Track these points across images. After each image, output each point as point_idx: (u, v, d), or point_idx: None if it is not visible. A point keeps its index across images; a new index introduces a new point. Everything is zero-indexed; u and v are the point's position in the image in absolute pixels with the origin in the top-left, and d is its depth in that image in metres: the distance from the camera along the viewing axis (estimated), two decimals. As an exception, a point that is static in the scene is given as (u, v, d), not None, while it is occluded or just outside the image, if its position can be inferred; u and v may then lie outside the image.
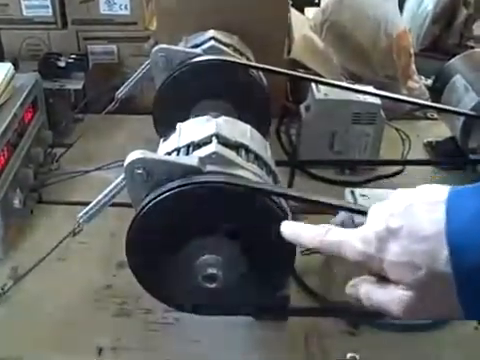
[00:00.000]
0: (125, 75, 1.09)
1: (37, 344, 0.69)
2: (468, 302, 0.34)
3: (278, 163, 0.78)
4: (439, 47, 1.82)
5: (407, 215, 0.36)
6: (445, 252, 0.34)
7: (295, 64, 1.20)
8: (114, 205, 0.65)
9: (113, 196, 0.63)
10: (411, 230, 0.35)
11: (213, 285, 0.59)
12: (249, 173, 0.61)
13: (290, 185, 0.96)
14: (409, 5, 1.84)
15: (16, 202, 0.85)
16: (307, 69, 1.20)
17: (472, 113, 0.96)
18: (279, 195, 0.58)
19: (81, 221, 0.64)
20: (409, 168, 1.03)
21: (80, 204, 0.68)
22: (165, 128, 0.72)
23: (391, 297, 0.37)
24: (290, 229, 0.43)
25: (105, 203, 0.63)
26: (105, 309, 0.74)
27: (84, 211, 0.64)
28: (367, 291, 0.39)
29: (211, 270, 0.58)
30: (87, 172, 0.98)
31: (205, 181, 0.56)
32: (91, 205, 0.64)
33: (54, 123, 1.06)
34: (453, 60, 1.09)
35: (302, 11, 1.55)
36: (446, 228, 0.34)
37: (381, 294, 0.38)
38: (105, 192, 0.63)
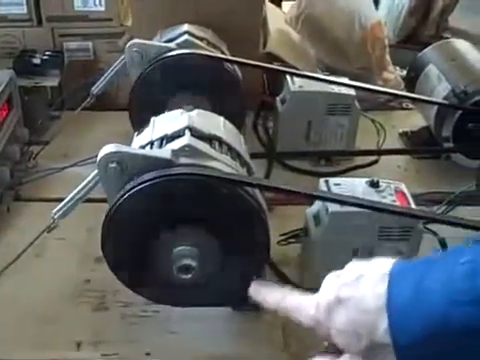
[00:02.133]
0: (101, 71, 1.08)
1: (16, 341, 0.69)
2: None
3: (255, 155, 0.79)
4: (416, 39, 1.84)
5: (356, 286, 0.38)
6: (384, 325, 0.36)
7: (271, 58, 1.20)
8: (91, 201, 0.65)
9: (88, 191, 0.63)
10: (357, 301, 0.38)
11: (188, 276, 0.60)
12: (222, 164, 0.61)
13: (267, 177, 0.97)
14: (385, -2, 1.86)
15: (-8, 200, 0.84)
16: (283, 62, 1.20)
17: (445, 102, 0.98)
18: (250, 185, 0.58)
19: (56, 217, 0.64)
20: (384, 158, 1.04)
21: (57, 201, 0.67)
22: (141, 123, 0.73)
23: None
24: (256, 293, 0.47)
25: (79, 198, 0.64)
26: (84, 304, 0.74)
27: (59, 207, 0.64)
28: None
29: (186, 261, 0.59)
30: (64, 169, 0.98)
31: (177, 173, 0.56)
32: (65, 201, 0.64)
33: (30, 120, 1.06)
34: (426, 50, 1.11)
35: (280, 5, 1.56)
36: (386, 303, 0.36)
37: None
38: (79, 187, 0.63)
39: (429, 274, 0.36)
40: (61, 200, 0.65)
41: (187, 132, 0.63)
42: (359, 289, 0.38)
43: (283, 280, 0.77)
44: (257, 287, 0.47)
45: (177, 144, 0.61)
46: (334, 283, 0.40)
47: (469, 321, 0.33)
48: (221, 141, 0.65)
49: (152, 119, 0.70)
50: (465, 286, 0.34)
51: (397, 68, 1.33)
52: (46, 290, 0.75)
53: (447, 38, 1.74)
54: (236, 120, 0.75)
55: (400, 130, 1.14)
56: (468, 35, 1.64)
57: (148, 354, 0.68)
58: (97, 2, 1.20)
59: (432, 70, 1.05)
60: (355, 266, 0.40)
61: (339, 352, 0.40)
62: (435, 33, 1.86)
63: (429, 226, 0.77)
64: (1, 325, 0.71)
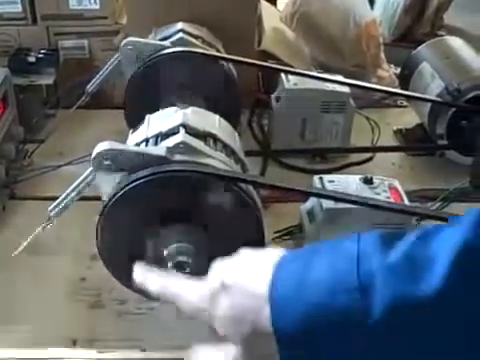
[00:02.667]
0: (96, 70, 1.08)
1: (11, 338, 0.69)
2: None
3: (250, 153, 0.79)
4: (411, 37, 1.85)
5: (241, 273, 0.39)
6: (266, 313, 0.36)
7: (266, 56, 1.21)
8: (86, 198, 0.66)
9: (83, 188, 0.63)
10: (241, 288, 0.38)
11: (183, 273, 0.60)
12: (217, 162, 0.62)
13: (262, 174, 0.97)
14: (381, -4, 1.86)
15: (-13, 199, 0.85)
16: (278, 60, 1.21)
17: (438, 100, 0.99)
18: (245, 182, 0.59)
19: (51, 215, 0.65)
20: (379, 155, 1.04)
21: (53, 199, 0.68)
22: (136, 121, 0.73)
23: (224, 353, 0.39)
24: (139, 277, 0.46)
25: (75, 196, 0.64)
26: (80, 301, 0.75)
27: (54, 204, 0.64)
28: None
29: (181, 258, 0.59)
30: (59, 167, 0.98)
31: (171, 170, 0.57)
32: (60, 198, 0.64)
33: (25, 119, 1.06)
34: (420, 48, 1.11)
35: (275, 3, 1.56)
36: (270, 289, 0.36)
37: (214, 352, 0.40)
38: (74, 185, 0.63)
39: (313, 263, 0.36)
40: (56, 198, 0.65)
41: (182, 129, 0.63)
42: (245, 276, 0.38)
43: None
44: (141, 271, 0.46)
45: (172, 141, 0.61)
46: (220, 269, 0.40)
47: (349, 310, 0.33)
48: (216, 138, 0.66)
49: (147, 117, 0.70)
50: (346, 275, 0.34)
51: (392, 66, 1.34)
52: (42, 288, 0.76)
53: (441, 36, 1.75)
54: (231, 118, 0.76)
55: (394, 127, 1.15)
56: (463, 33, 1.64)
57: (144, 351, 0.68)
58: (92, 0, 1.19)
59: (426, 68, 1.05)
60: (244, 254, 0.40)
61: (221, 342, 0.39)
62: (430, 31, 1.86)
63: (423, 223, 0.77)
64: (-4, 323, 0.71)
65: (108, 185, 0.60)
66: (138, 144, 0.65)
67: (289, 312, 0.35)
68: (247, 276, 0.38)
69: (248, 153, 0.73)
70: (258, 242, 0.62)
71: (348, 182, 0.73)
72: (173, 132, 0.64)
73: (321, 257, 0.36)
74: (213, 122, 0.69)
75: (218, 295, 0.38)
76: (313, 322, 0.34)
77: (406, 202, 0.72)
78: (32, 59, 1.14)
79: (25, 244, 0.72)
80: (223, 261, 0.41)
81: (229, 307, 0.38)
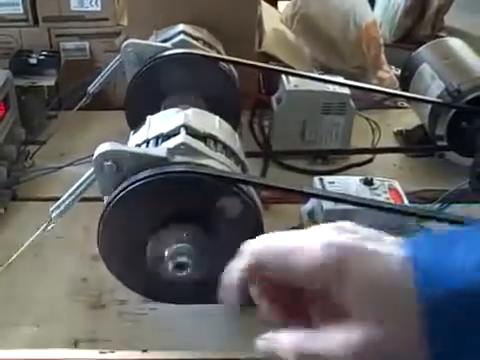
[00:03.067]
0: (98, 71, 1.09)
1: (13, 339, 0.69)
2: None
3: (251, 154, 0.80)
4: (412, 38, 1.85)
5: (380, 242, 0.34)
6: (410, 284, 0.32)
7: (267, 57, 1.21)
8: (87, 200, 0.66)
9: (84, 189, 0.64)
10: (382, 257, 0.33)
11: (183, 274, 0.60)
12: (217, 163, 0.62)
13: (263, 175, 0.97)
14: (381, -1, 1.87)
15: (-11, 200, 0.85)
16: (279, 62, 1.21)
17: (439, 101, 0.99)
18: (245, 183, 0.59)
19: (53, 215, 0.65)
20: (379, 156, 1.05)
21: (54, 200, 0.68)
22: (137, 122, 0.73)
23: (341, 339, 0.32)
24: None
25: (76, 196, 0.64)
26: (81, 302, 0.75)
27: (55, 205, 0.65)
28: (297, 342, 0.34)
29: (181, 259, 0.60)
30: (60, 168, 0.98)
31: (171, 171, 0.57)
32: (62, 199, 0.64)
33: (27, 120, 1.06)
34: (420, 49, 1.11)
35: (275, 5, 1.57)
36: (413, 261, 0.32)
37: (323, 340, 0.33)
38: (76, 186, 0.64)
39: (455, 244, 0.32)
40: (58, 199, 0.65)
41: (182, 131, 0.64)
42: (384, 246, 0.33)
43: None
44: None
45: (172, 142, 0.62)
46: (349, 234, 0.34)
47: None
48: (216, 139, 0.66)
49: (148, 118, 0.70)
50: None
51: (392, 67, 1.34)
52: (43, 288, 0.76)
53: (442, 37, 1.75)
54: (232, 119, 0.76)
55: (395, 129, 1.15)
56: (464, 34, 1.65)
57: (145, 351, 0.69)
58: (93, 2, 1.20)
59: (426, 69, 1.05)
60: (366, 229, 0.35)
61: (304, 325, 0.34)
62: (431, 32, 1.87)
63: (422, 223, 0.77)
64: (-2, 323, 0.71)
65: (109, 186, 0.60)
66: (139, 145, 0.65)
67: (435, 281, 0.31)
68: (386, 246, 0.33)
69: (249, 154, 0.73)
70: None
71: (348, 183, 0.74)
72: (174, 133, 0.64)
73: (462, 238, 0.33)
74: (214, 123, 0.70)
75: (352, 261, 0.32)
76: (462, 292, 0.31)
77: (406, 203, 0.72)
78: (34, 61, 1.15)
79: (26, 245, 0.72)
80: (346, 225, 0.35)
81: (367, 278, 0.32)
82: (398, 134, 1.14)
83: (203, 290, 0.64)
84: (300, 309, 0.37)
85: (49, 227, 0.66)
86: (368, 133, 1.13)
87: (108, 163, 0.59)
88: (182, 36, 0.95)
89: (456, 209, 0.88)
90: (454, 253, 0.32)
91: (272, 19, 1.32)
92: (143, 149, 0.63)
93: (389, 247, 0.33)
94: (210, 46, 0.99)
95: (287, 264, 0.34)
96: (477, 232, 0.34)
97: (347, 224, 0.36)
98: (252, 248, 0.36)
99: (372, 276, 0.32)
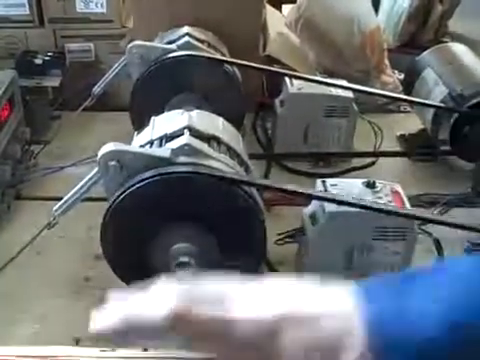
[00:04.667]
0: (102, 72, 1.09)
1: (15, 337, 0.70)
2: None
3: (254, 156, 0.80)
4: (415, 43, 1.85)
5: (315, 302, 0.34)
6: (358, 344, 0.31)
7: (271, 60, 1.22)
8: (91, 199, 0.66)
9: (88, 189, 0.64)
10: (319, 318, 0.33)
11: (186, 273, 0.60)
12: (220, 164, 0.62)
13: (266, 177, 0.98)
14: (384, 4, 1.87)
15: (-7, 198, 0.85)
16: (283, 65, 1.21)
17: (442, 105, 0.99)
18: (248, 184, 0.59)
19: (56, 214, 0.65)
20: (382, 160, 1.05)
21: (58, 199, 0.68)
22: (141, 123, 0.74)
23: None
24: None
25: (80, 196, 0.65)
26: (84, 301, 0.75)
27: (59, 204, 0.65)
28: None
29: (183, 258, 0.60)
30: (64, 168, 0.99)
31: (175, 171, 0.57)
32: (66, 198, 0.65)
33: (31, 120, 1.07)
34: (424, 54, 1.12)
35: (280, 8, 1.57)
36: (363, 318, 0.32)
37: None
38: (80, 185, 0.64)
39: (412, 291, 0.32)
40: (61, 198, 0.66)
41: (186, 132, 0.64)
42: (319, 305, 0.33)
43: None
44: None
45: (176, 143, 0.62)
46: (282, 299, 0.34)
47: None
48: (220, 141, 0.66)
49: (152, 119, 0.71)
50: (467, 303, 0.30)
51: (396, 72, 1.34)
52: (46, 287, 0.76)
53: (446, 42, 1.76)
54: (235, 121, 0.76)
55: (398, 132, 1.15)
56: (467, 39, 1.65)
57: (146, 350, 0.69)
58: (99, 4, 1.21)
59: (429, 73, 1.06)
60: (306, 283, 0.34)
61: None
62: (434, 38, 1.87)
63: (424, 227, 0.78)
64: (0, 321, 0.71)
65: (113, 186, 0.61)
66: (143, 146, 0.66)
67: (397, 342, 0.30)
68: (323, 305, 0.33)
69: (252, 156, 0.73)
70: (260, 244, 0.62)
71: (351, 186, 0.74)
72: (178, 134, 0.65)
73: (421, 283, 0.32)
74: (217, 125, 0.70)
75: (284, 327, 0.32)
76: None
77: (408, 206, 0.72)
78: (39, 61, 1.16)
79: (29, 243, 0.73)
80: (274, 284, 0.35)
81: (303, 343, 0.32)
82: (401, 138, 1.14)
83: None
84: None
85: (52, 226, 0.67)
86: (371, 136, 1.13)
87: (112, 163, 0.59)
88: (187, 38, 0.95)
89: (458, 213, 0.89)
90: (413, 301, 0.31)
91: (276, 23, 1.32)
92: (147, 149, 0.63)
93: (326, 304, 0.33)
94: (215, 48, 0.99)
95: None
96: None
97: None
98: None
99: (308, 341, 0.32)
